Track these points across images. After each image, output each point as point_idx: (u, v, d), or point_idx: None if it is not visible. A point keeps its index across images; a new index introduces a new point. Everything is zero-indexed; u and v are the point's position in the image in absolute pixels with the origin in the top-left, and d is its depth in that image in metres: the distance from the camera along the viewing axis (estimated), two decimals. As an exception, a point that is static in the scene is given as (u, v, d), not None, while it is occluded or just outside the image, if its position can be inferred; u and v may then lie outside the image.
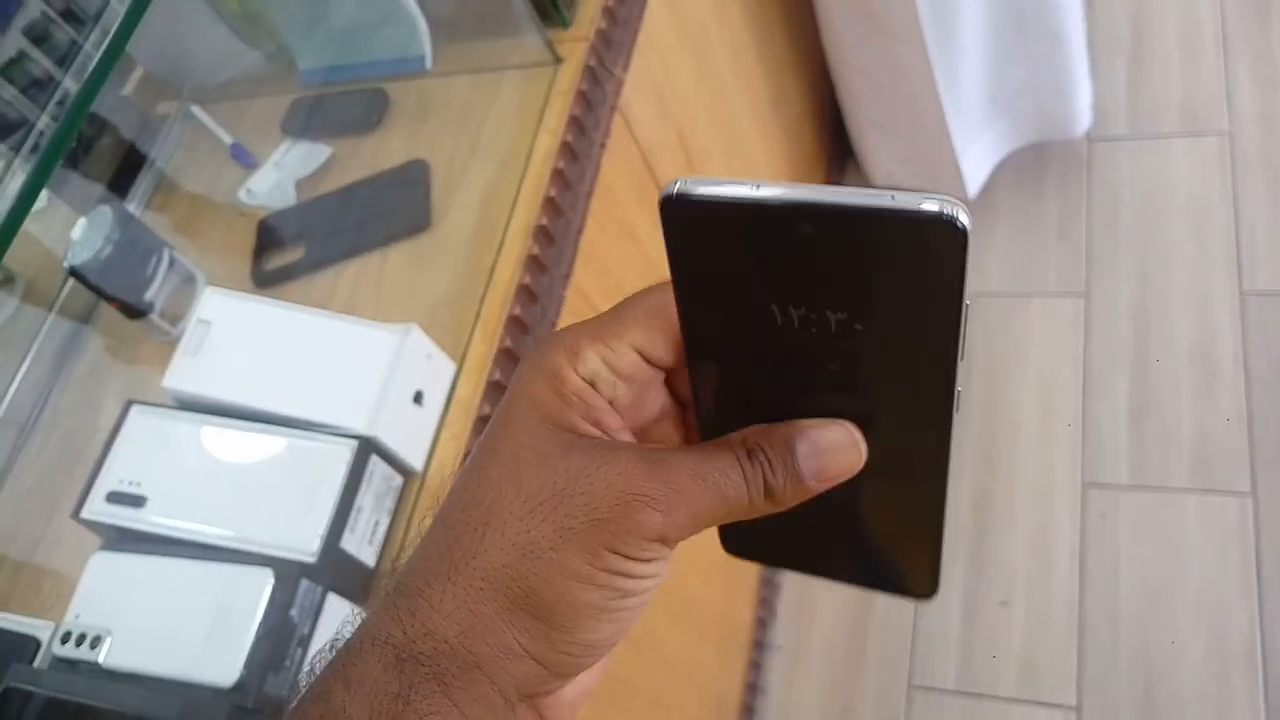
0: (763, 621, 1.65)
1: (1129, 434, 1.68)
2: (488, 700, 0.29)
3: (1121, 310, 1.80)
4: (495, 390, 0.88)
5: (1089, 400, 1.73)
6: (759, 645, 1.63)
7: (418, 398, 0.86)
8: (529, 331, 0.93)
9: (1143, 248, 1.85)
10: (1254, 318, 1.71)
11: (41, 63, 1.01)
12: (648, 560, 0.30)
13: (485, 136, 1.07)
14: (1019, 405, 1.77)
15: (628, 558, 0.29)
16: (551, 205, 0.97)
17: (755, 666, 1.61)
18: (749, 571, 1.62)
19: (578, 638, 0.29)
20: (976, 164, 1.83)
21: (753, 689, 1.59)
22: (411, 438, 0.85)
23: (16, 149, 0.91)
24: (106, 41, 0.83)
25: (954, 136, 1.71)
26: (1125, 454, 1.67)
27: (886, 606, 1.65)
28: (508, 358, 0.90)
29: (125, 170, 1.25)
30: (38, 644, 0.84)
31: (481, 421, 0.87)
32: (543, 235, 0.96)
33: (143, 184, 1.25)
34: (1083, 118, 1.82)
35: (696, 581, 1.35)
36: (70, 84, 0.89)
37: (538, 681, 0.30)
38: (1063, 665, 1.54)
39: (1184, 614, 1.53)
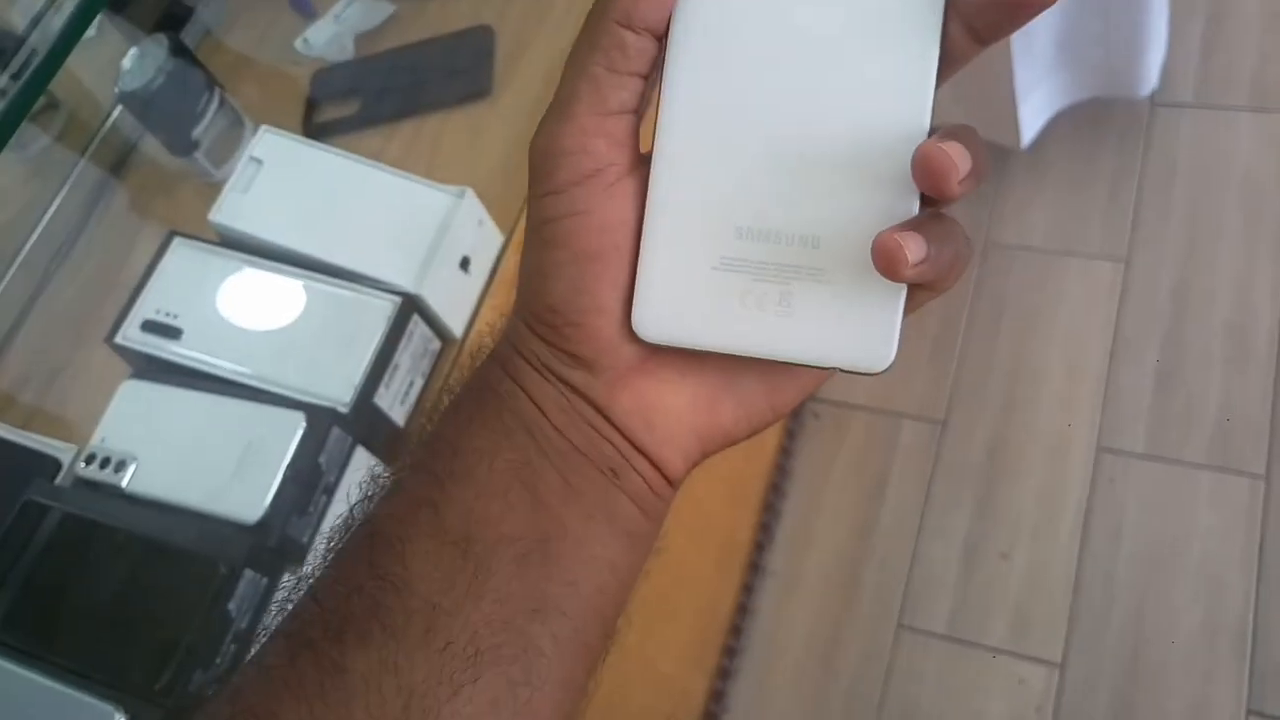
0: (760, 545, 1.65)
1: (1152, 404, 1.67)
2: (498, 385, 0.32)
3: (1161, 280, 1.77)
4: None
5: (1115, 366, 1.71)
6: (754, 568, 1.63)
7: (464, 264, 0.84)
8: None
9: (1191, 220, 1.81)
10: (1295, 303, 1.69)
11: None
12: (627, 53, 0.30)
13: (557, 9, 1.04)
14: (1044, 363, 1.75)
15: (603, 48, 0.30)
16: (617, 87, 0.94)
17: (748, 589, 1.62)
18: (752, 489, 1.62)
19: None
20: (1034, 113, 1.78)
21: (743, 610, 1.60)
22: (454, 303, 0.83)
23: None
24: None
25: (1017, 81, 1.66)
26: (1145, 423, 1.65)
27: (885, 543, 1.65)
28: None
29: (176, 12, 1.22)
30: (58, 464, 0.84)
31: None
32: (605, 117, 0.93)
33: (195, 26, 1.22)
34: (1150, 78, 1.77)
35: (703, 491, 1.34)
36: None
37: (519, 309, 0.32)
38: (1054, 622, 1.54)
39: (1181, 586, 1.53)
